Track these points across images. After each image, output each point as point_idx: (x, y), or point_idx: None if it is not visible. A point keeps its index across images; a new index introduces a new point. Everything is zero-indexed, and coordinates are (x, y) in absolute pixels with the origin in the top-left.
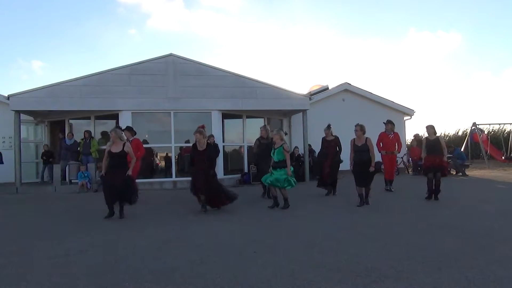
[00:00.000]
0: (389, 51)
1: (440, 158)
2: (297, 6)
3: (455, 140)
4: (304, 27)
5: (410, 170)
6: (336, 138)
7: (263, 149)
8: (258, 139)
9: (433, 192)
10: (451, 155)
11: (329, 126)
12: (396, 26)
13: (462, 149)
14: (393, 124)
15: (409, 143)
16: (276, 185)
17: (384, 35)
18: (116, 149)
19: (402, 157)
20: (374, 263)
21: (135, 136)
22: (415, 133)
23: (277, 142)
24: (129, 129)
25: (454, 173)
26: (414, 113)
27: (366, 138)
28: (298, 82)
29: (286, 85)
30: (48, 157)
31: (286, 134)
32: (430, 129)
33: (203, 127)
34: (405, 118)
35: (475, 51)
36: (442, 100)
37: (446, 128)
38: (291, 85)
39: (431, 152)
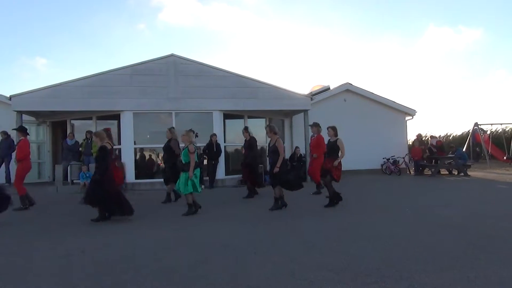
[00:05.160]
0: (397, 51)
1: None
2: (309, 3)
3: (457, 140)
4: (308, 26)
5: (411, 170)
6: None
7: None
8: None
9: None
10: (453, 155)
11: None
12: (407, 24)
13: (464, 149)
14: (318, 126)
15: (410, 143)
16: (177, 189)
17: (394, 34)
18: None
19: (403, 157)
20: (374, 263)
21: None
22: (417, 133)
23: (184, 143)
24: (20, 129)
25: (456, 173)
26: (416, 113)
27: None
28: (300, 82)
29: (287, 85)
30: None
31: (197, 136)
32: (332, 130)
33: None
34: (406, 118)
35: (492, 48)
36: (451, 99)
37: (450, 128)
38: (292, 85)
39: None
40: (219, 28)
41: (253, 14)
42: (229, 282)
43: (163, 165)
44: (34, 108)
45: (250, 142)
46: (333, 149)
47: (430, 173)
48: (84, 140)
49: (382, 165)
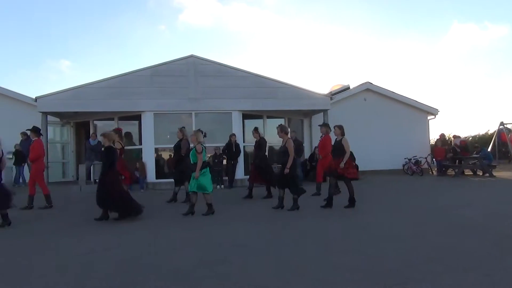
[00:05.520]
0: (420, 49)
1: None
2: (329, 2)
3: (482, 140)
4: (328, 24)
5: (434, 170)
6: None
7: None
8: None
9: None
10: (478, 156)
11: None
12: (431, 21)
13: (489, 149)
14: (327, 127)
15: (433, 143)
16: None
17: (417, 32)
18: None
19: (426, 158)
20: (395, 264)
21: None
22: (440, 133)
23: (193, 143)
24: (34, 129)
25: (481, 174)
26: (438, 113)
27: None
28: (319, 82)
29: (307, 84)
30: (21, 159)
31: (205, 136)
32: (338, 129)
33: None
34: (429, 117)
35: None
36: (475, 98)
37: (474, 127)
38: (312, 85)
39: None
40: (239, 28)
41: (273, 13)
42: (246, 282)
43: (171, 165)
44: (58, 109)
45: (260, 143)
46: (339, 148)
47: (454, 173)
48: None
49: (403, 166)
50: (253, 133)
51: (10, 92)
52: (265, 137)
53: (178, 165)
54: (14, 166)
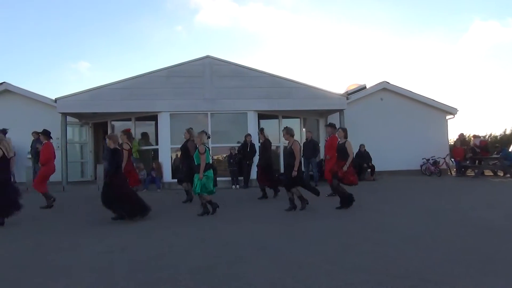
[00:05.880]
0: (439, 47)
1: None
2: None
3: (503, 140)
4: (345, 23)
5: (453, 171)
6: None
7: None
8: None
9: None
10: (498, 156)
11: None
12: (451, 19)
13: (510, 149)
14: (333, 127)
15: (451, 143)
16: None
17: (437, 31)
18: None
19: (444, 158)
20: (414, 266)
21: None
22: (460, 133)
23: (197, 144)
24: (44, 132)
25: (502, 174)
26: (457, 112)
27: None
28: (335, 81)
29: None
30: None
31: (209, 137)
32: (342, 131)
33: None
34: (447, 117)
35: None
36: (496, 97)
37: (495, 127)
38: (328, 84)
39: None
40: (255, 28)
41: (289, 12)
42: (265, 281)
43: (179, 164)
44: (77, 110)
45: (264, 144)
46: (342, 151)
47: (473, 174)
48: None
49: (421, 166)
50: (258, 134)
51: (30, 93)
52: (281, 138)
53: (184, 165)
54: (34, 166)
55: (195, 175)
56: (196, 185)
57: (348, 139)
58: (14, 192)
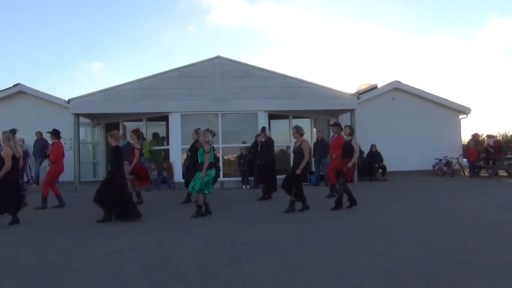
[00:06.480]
0: (454, 46)
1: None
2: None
3: None
4: (358, 22)
5: (466, 171)
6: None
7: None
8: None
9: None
10: None
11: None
12: (466, 18)
13: None
14: (338, 126)
15: (465, 143)
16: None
17: (451, 29)
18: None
19: (457, 158)
20: (426, 267)
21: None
22: (473, 133)
23: (202, 143)
24: (53, 132)
25: None
26: (470, 112)
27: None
28: (346, 81)
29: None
30: None
31: (214, 135)
32: (348, 129)
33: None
34: (460, 116)
35: None
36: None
37: (508, 127)
38: (339, 84)
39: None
40: (267, 28)
41: (301, 11)
42: (275, 282)
43: (187, 165)
44: (90, 111)
45: (267, 143)
46: (347, 149)
47: (487, 174)
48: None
49: (434, 166)
50: (260, 134)
51: (44, 94)
52: (291, 138)
53: (193, 166)
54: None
55: (197, 173)
56: (197, 182)
57: (359, 138)
58: (19, 192)
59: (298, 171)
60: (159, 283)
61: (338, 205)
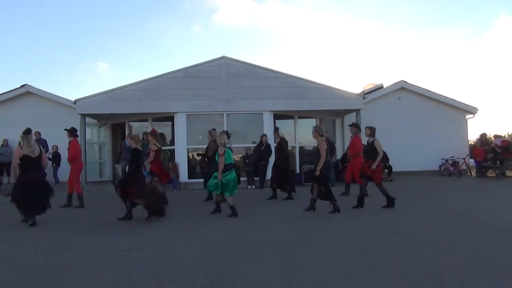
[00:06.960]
0: (462, 45)
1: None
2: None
3: None
4: (364, 21)
5: (473, 172)
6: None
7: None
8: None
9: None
10: None
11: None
12: (474, 16)
13: None
14: (356, 127)
15: (472, 143)
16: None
17: (459, 28)
18: None
19: (464, 158)
20: (432, 269)
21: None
22: (481, 133)
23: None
24: (70, 130)
25: None
26: (477, 111)
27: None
28: (352, 81)
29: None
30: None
31: (229, 137)
32: (369, 130)
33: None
34: (467, 116)
35: None
36: None
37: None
38: (344, 84)
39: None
40: (273, 27)
41: (308, 10)
42: (282, 282)
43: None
44: (96, 111)
45: (281, 144)
46: (371, 150)
47: (494, 175)
48: (141, 141)
49: (440, 166)
50: (273, 134)
51: (51, 95)
52: (297, 138)
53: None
54: (53, 167)
55: (214, 173)
56: (216, 185)
57: (365, 139)
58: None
59: (317, 173)
60: (166, 282)
61: (360, 203)
